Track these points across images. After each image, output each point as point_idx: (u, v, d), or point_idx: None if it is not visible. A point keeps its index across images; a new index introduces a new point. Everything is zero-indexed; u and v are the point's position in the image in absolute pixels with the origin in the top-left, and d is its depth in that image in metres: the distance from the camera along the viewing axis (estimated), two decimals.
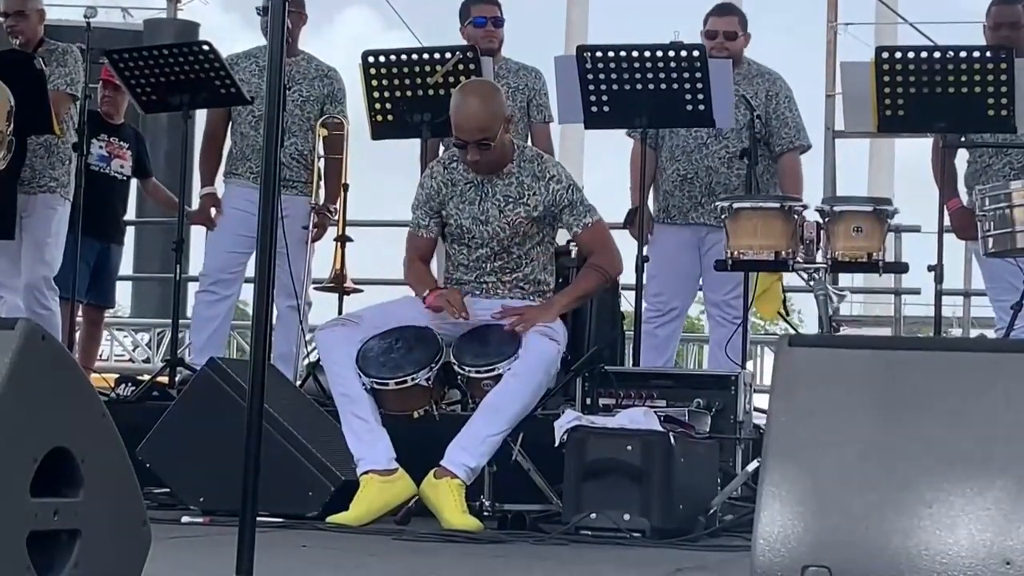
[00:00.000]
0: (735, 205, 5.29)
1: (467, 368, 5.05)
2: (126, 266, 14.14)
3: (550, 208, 5.21)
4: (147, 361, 12.18)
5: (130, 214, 8.59)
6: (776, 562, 2.03)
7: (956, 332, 9.38)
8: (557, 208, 5.21)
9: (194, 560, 3.89)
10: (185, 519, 5.03)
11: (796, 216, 5.21)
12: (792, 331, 7.08)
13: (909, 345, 2.21)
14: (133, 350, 12.60)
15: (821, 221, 5.18)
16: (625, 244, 7.07)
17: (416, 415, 5.08)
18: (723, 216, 5.31)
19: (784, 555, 2.03)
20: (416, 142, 6.63)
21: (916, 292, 9.53)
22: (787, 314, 6.75)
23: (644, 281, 6.44)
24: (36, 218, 6.95)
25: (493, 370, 5.01)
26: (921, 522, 2.03)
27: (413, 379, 5.03)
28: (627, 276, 6.58)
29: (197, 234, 7.76)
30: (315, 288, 7.15)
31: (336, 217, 7.03)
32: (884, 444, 2.11)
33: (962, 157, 6.69)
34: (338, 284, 7.02)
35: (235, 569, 2.82)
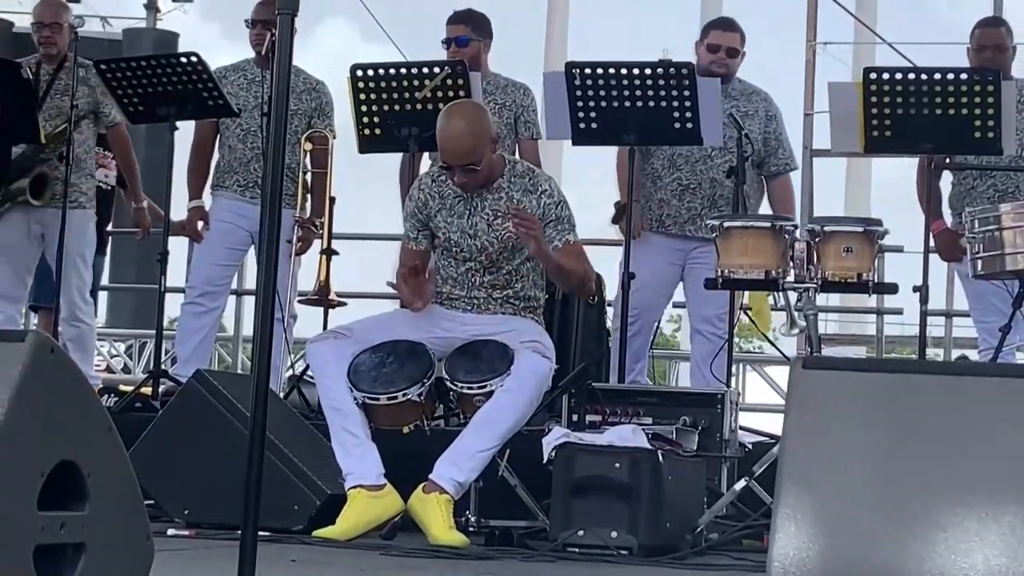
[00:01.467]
0: (725, 223, 5.29)
1: (459, 384, 5.06)
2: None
3: (539, 221, 5.20)
4: (126, 371, 12.16)
5: None
6: None
7: (938, 352, 9.39)
8: (544, 221, 5.21)
9: (189, 574, 3.88)
10: (171, 532, 5.02)
11: (787, 235, 5.22)
12: (776, 348, 7.09)
13: (923, 369, 2.22)
14: (111, 359, 12.56)
15: (811, 241, 5.19)
16: (609, 261, 7.09)
17: (407, 430, 5.09)
18: (713, 234, 5.31)
19: None
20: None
21: (899, 312, 9.57)
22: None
23: (629, 295, 6.44)
24: (72, 234, 6.96)
25: (485, 386, 5.01)
26: (936, 547, 2.04)
27: (405, 395, 5.04)
28: (612, 292, 6.61)
29: (176, 245, 7.72)
30: (299, 301, 7.14)
31: (321, 231, 7.03)
32: (899, 468, 2.11)
33: (946, 179, 6.73)
34: (322, 297, 7.01)
35: None
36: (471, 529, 5.14)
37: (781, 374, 10.34)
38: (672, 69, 6.17)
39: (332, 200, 7.00)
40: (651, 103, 6.14)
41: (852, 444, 2.13)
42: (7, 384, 2.35)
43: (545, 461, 4.96)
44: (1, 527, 2.30)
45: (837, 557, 2.05)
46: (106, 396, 6.78)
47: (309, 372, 5.76)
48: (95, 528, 2.48)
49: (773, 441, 5.74)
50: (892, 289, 5.43)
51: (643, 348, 6.82)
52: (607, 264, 6.79)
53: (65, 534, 2.44)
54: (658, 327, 7.16)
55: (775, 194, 6.85)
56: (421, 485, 4.98)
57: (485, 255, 5.26)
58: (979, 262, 5.46)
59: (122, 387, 7.42)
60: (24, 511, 2.36)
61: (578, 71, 6.18)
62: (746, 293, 6.14)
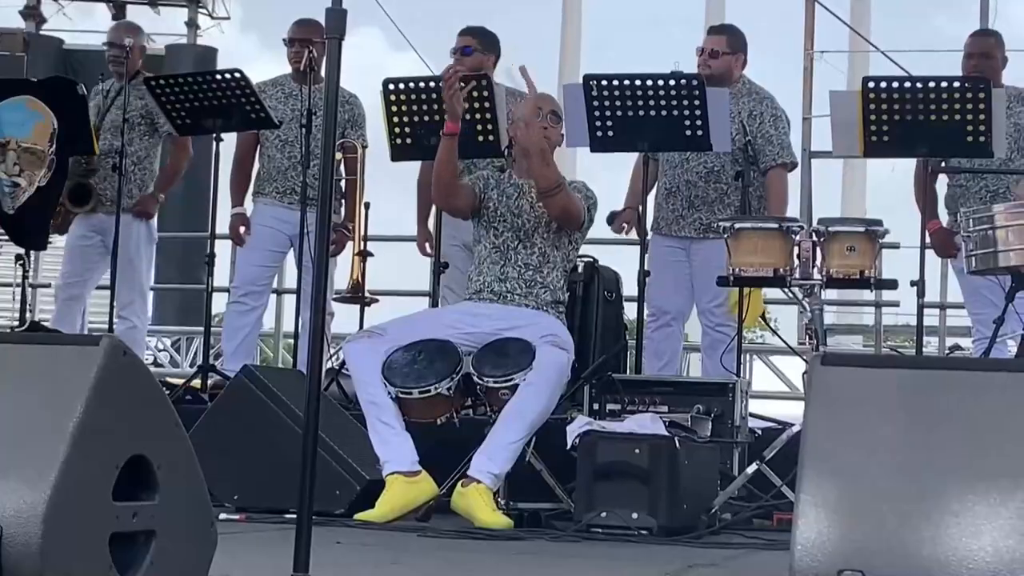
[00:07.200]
0: (736, 225, 5.32)
1: (486, 378, 5.09)
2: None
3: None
4: (173, 364, 12.21)
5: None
6: (813, 566, 2.07)
7: (932, 341, 9.39)
8: None
9: (246, 556, 3.91)
10: (222, 516, 5.05)
11: (793, 235, 5.25)
12: (779, 338, 7.11)
13: (936, 365, 2.25)
14: (158, 353, 12.62)
15: (817, 240, 5.21)
16: (625, 259, 7.09)
17: (439, 422, 5.12)
18: (725, 235, 5.33)
19: (821, 560, 2.07)
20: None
21: (895, 304, 9.59)
22: (766, 322, 6.75)
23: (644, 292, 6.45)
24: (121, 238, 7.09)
25: (510, 380, 5.04)
26: (948, 530, 2.07)
27: (436, 388, 5.07)
28: (630, 288, 6.63)
29: (221, 248, 7.73)
30: (335, 299, 7.18)
31: (352, 234, 7.05)
32: (913, 457, 2.14)
33: (942, 181, 6.74)
34: (356, 295, 7.04)
35: (292, 567, 2.84)
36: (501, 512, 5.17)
37: (784, 363, 10.37)
38: (683, 80, 6.18)
39: (367, 206, 7.04)
40: (664, 112, 6.15)
41: (869, 435, 2.16)
42: (84, 385, 2.38)
43: (569, 448, 4.99)
44: (81, 517, 2.34)
45: (855, 539, 2.07)
46: None
47: (346, 367, 5.80)
48: (165, 516, 2.52)
49: (781, 427, 5.76)
50: (892, 285, 5.46)
51: (667, 342, 6.80)
52: (625, 264, 6.80)
53: (138, 522, 2.48)
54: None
55: (766, 189, 6.75)
56: (460, 481, 5.01)
57: (523, 231, 5.39)
58: (974, 259, 5.47)
59: (170, 380, 7.46)
60: (101, 501, 2.40)
61: (595, 83, 6.20)
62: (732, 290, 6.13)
